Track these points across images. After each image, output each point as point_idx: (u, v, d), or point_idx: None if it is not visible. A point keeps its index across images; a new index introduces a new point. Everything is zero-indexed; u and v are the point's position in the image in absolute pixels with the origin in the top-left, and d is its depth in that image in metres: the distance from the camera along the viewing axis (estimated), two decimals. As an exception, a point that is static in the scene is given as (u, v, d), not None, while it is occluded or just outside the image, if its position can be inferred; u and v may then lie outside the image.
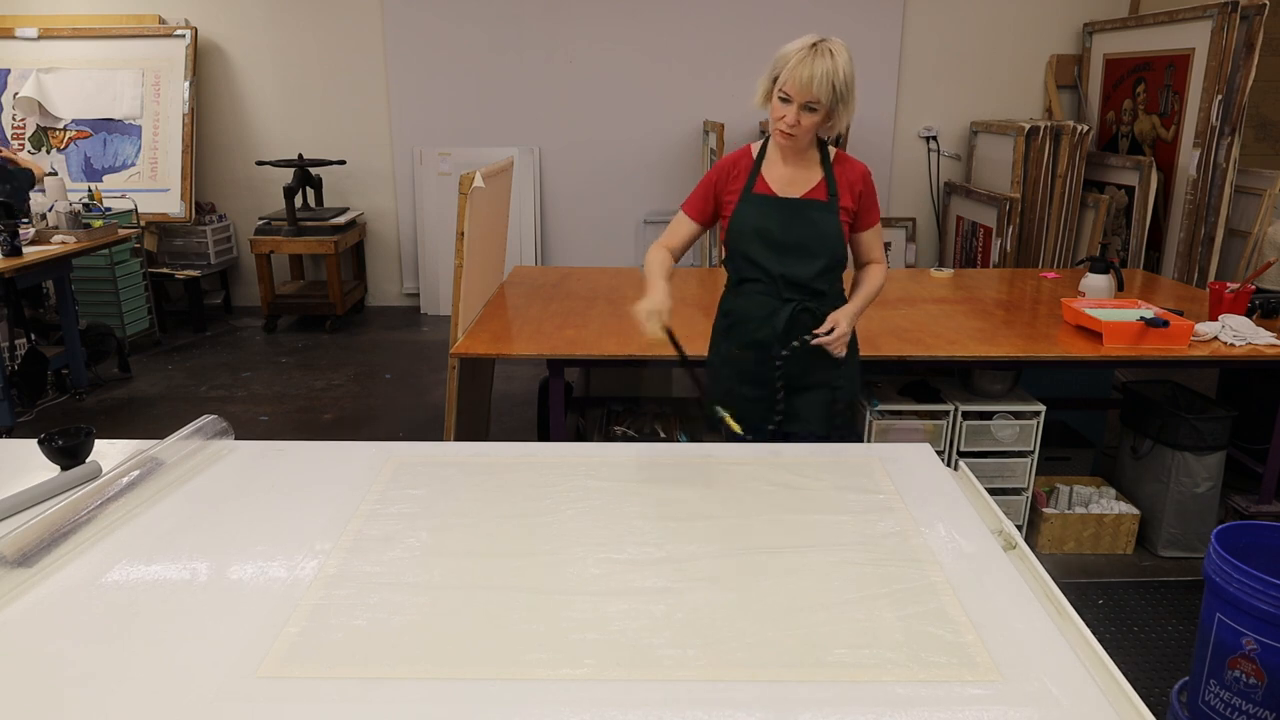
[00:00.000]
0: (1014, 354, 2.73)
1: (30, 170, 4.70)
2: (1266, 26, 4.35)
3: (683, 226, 2.19)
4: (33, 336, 4.38)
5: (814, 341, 2.05)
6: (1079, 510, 3.03)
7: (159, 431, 1.87)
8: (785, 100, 1.96)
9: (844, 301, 2.17)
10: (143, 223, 5.35)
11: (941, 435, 2.90)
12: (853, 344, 2.18)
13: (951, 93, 5.96)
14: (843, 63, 1.92)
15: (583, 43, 5.91)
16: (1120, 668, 1.08)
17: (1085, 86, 5.75)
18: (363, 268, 6.36)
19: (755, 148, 2.13)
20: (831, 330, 2.06)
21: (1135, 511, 3.00)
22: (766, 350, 2.13)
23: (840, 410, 2.20)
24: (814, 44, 1.93)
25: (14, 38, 5.70)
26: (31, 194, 4.51)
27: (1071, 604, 1.21)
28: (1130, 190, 4.96)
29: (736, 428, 1.99)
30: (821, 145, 2.10)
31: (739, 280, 2.17)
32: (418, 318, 6.14)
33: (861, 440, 2.30)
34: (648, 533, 1.40)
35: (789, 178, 2.09)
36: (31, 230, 4.27)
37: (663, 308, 1.98)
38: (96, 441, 1.65)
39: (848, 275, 2.21)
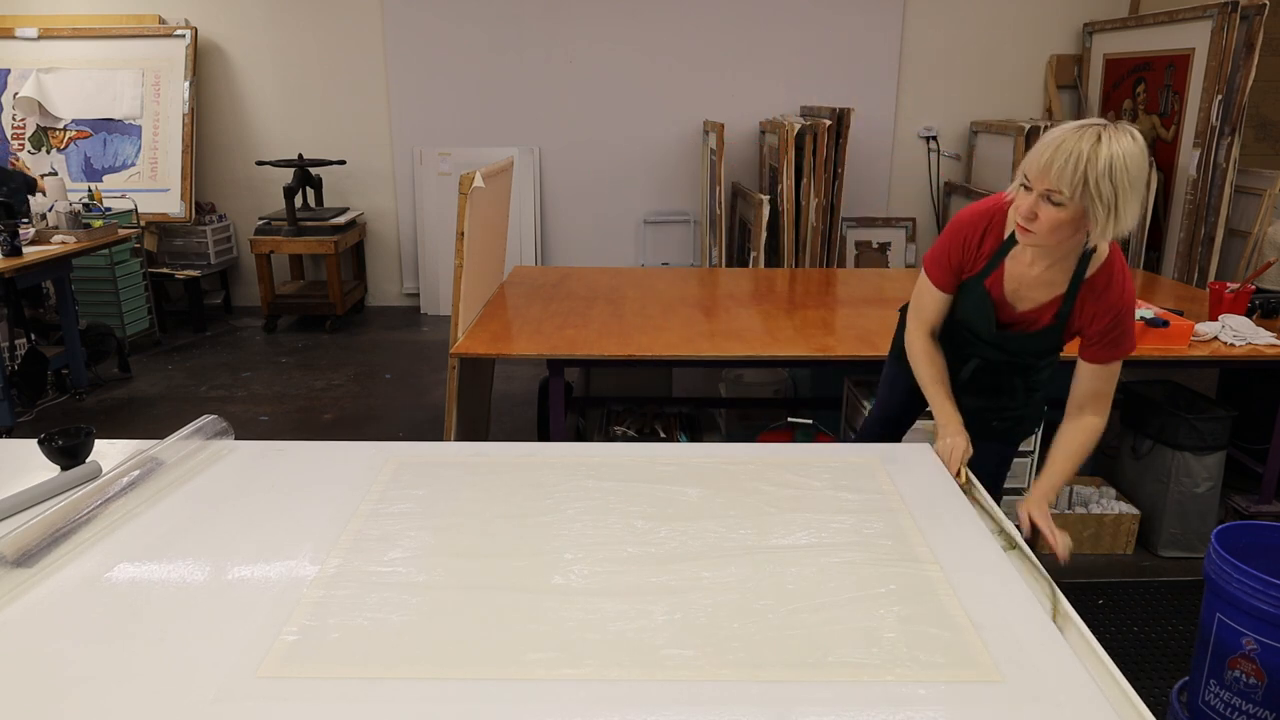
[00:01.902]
0: (1014, 354, 2.72)
1: (26, 175, 4.72)
2: (1266, 26, 4.35)
3: (934, 302, 1.90)
4: (33, 336, 4.38)
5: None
6: (1079, 510, 3.03)
7: (159, 431, 1.87)
8: (1026, 188, 1.58)
9: (1049, 361, 1.95)
10: (143, 223, 5.35)
11: (941, 435, 2.90)
12: (1029, 410, 1.99)
13: (951, 93, 5.96)
14: (1115, 157, 1.48)
15: (583, 43, 5.91)
16: (1120, 668, 1.08)
17: (1085, 86, 5.75)
18: (363, 268, 6.36)
19: (1010, 223, 1.71)
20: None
21: (1135, 511, 3.00)
22: (950, 365, 1.97)
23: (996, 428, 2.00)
24: (1086, 125, 1.52)
25: (14, 38, 5.70)
26: (30, 198, 4.52)
27: (1071, 604, 1.21)
28: (1130, 190, 4.95)
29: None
30: (1083, 258, 1.68)
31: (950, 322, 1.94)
32: (418, 318, 6.14)
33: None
34: (648, 533, 1.40)
35: (1027, 281, 1.75)
36: (31, 230, 4.27)
37: (961, 445, 1.76)
38: (96, 441, 1.65)
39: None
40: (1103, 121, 1.53)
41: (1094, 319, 1.70)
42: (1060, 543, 1.63)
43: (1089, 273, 1.69)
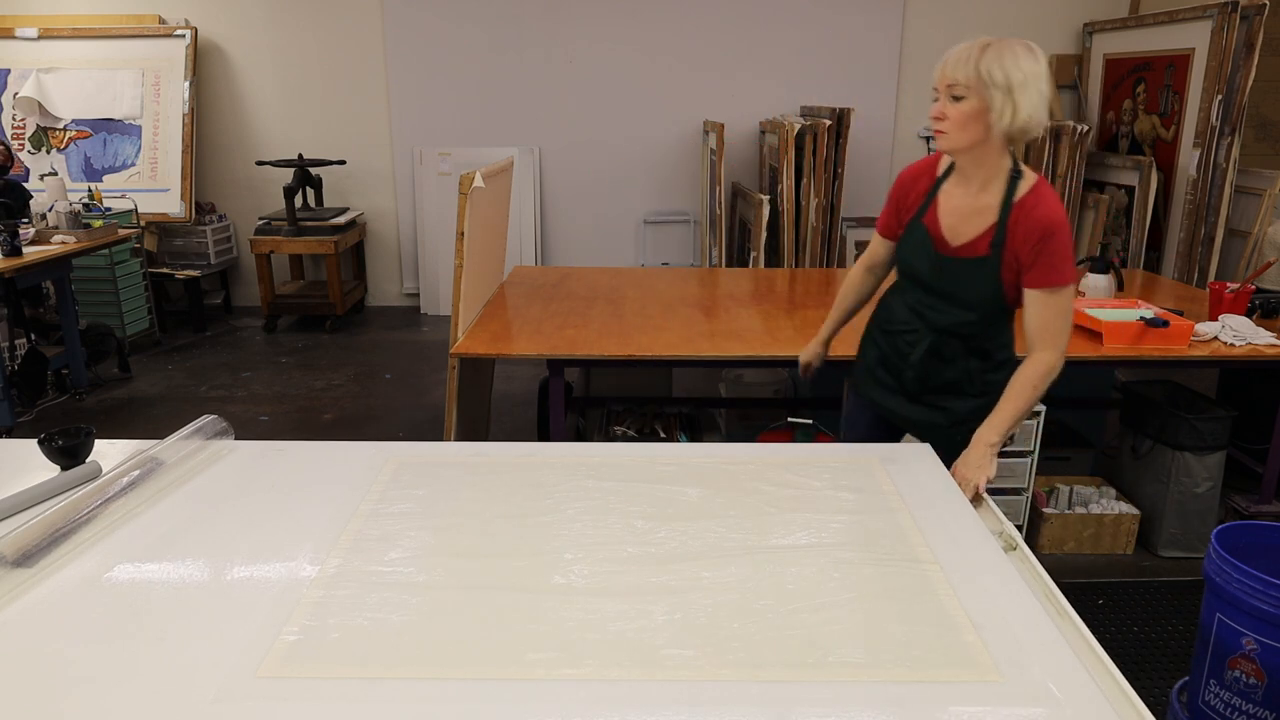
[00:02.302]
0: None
1: (25, 190, 4.75)
2: (1266, 26, 4.35)
3: (876, 244, 2.07)
4: (33, 336, 4.38)
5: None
6: (1079, 510, 3.03)
7: (159, 431, 1.87)
8: (936, 100, 1.77)
9: (1003, 345, 1.94)
10: (143, 223, 5.35)
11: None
12: (1003, 380, 1.86)
13: (951, 93, 5.95)
14: (1005, 51, 1.67)
15: (583, 43, 5.91)
16: (1120, 668, 1.08)
17: (1085, 86, 5.76)
18: (363, 268, 6.36)
19: (944, 163, 1.91)
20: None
21: (1135, 511, 3.01)
22: (904, 357, 1.98)
23: (959, 441, 1.88)
24: (981, 38, 1.72)
25: (14, 38, 5.70)
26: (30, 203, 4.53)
27: (1071, 604, 1.21)
28: (1130, 190, 4.96)
29: None
30: (1012, 179, 1.78)
31: (900, 288, 2.01)
32: (418, 318, 6.14)
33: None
34: (648, 533, 1.40)
35: (961, 213, 1.83)
36: (31, 230, 4.27)
37: (807, 358, 2.14)
38: (96, 441, 1.65)
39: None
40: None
41: (1026, 239, 1.74)
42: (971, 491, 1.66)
43: (1017, 196, 1.76)
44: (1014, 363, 1.89)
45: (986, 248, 1.79)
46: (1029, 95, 1.66)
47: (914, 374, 1.96)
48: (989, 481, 1.70)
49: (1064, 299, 1.75)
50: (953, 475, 1.69)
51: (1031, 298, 1.77)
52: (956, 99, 1.71)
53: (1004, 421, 1.77)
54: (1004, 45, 1.68)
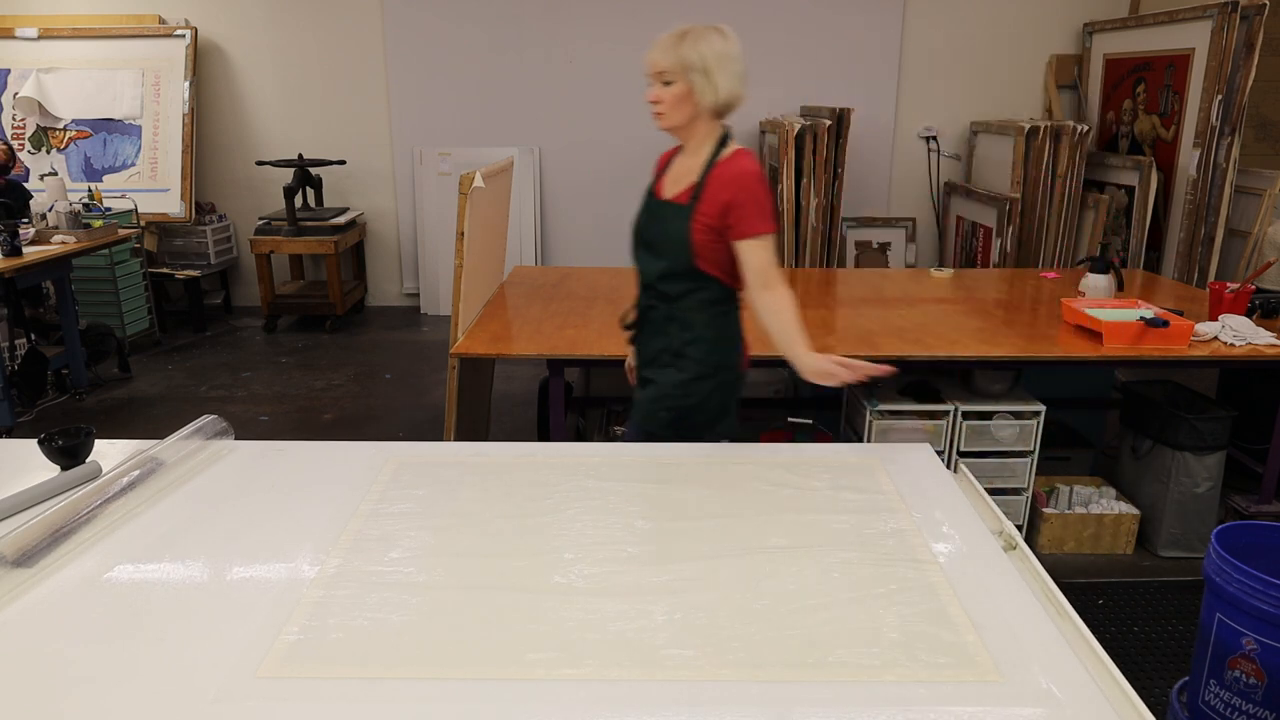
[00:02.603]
0: (1014, 354, 2.73)
1: (26, 190, 4.75)
2: (1266, 26, 4.35)
3: None
4: (33, 336, 4.38)
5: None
6: (1079, 510, 3.03)
7: (159, 431, 1.87)
8: (650, 86, 1.98)
9: (703, 323, 2.04)
10: (143, 223, 5.35)
11: (942, 435, 2.90)
12: (709, 361, 2.04)
13: (951, 93, 5.95)
14: (700, 37, 1.90)
15: (583, 43, 5.91)
16: (1120, 668, 1.08)
17: (1085, 86, 5.75)
18: (363, 268, 6.36)
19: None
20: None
21: (1135, 511, 3.01)
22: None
23: (661, 418, 2.06)
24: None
25: (14, 38, 5.70)
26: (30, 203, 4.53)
27: (1071, 604, 1.21)
28: (1130, 190, 4.96)
29: None
30: (720, 143, 1.98)
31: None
32: (418, 318, 6.14)
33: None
34: (648, 533, 1.40)
35: (677, 176, 2.04)
36: (31, 230, 4.27)
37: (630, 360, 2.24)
38: (96, 441, 1.65)
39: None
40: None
41: (722, 190, 1.92)
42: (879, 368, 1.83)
43: (719, 158, 1.97)
44: (724, 342, 2.06)
45: (687, 198, 1.98)
46: (725, 74, 1.90)
47: (634, 334, 2.14)
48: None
49: (769, 245, 1.96)
50: (818, 375, 1.84)
51: (742, 249, 1.94)
52: (666, 84, 1.92)
53: (800, 335, 1.91)
54: (699, 32, 1.91)
